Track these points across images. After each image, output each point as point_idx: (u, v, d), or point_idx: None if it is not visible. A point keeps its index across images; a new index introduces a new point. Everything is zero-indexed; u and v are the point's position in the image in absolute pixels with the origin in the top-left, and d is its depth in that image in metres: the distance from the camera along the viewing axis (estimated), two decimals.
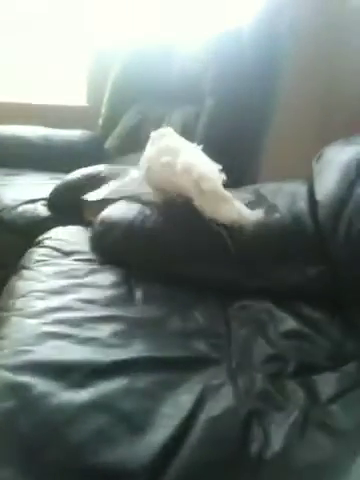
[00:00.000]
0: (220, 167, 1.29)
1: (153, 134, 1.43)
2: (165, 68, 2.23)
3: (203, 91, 2.09)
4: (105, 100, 2.43)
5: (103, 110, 2.43)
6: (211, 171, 1.24)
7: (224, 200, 1.20)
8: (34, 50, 2.74)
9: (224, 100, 2.02)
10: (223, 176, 1.27)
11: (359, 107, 2.41)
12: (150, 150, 1.37)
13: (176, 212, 1.33)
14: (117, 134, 2.36)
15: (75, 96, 2.75)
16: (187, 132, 1.92)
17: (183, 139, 1.42)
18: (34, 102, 2.68)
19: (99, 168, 1.75)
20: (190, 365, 0.91)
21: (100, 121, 2.45)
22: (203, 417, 0.78)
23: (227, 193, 1.21)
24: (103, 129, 2.43)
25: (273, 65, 2.01)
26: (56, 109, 2.68)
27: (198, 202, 1.22)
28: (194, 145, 1.38)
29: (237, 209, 1.20)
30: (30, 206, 1.76)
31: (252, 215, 1.21)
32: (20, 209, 1.74)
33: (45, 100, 2.70)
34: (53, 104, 2.70)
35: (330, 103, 2.47)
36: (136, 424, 0.76)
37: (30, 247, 1.44)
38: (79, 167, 1.87)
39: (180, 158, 1.27)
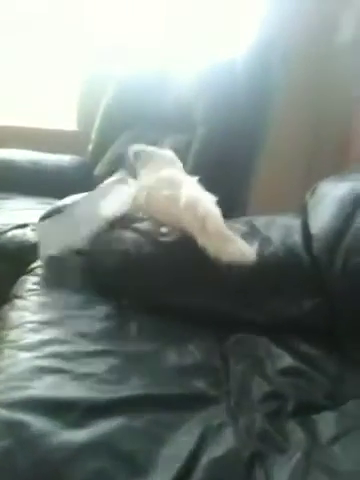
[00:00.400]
0: (215, 199, 1.31)
1: (143, 153, 1.41)
2: (158, 95, 2.24)
3: (194, 119, 2.10)
4: (96, 126, 2.43)
5: (93, 136, 2.43)
6: (214, 208, 1.25)
7: (228, 239, 1.21)
8: (25, 73, 2.73)
9: (216, 129, 2.02)
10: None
11: (347, 136, 2.45)
12: (149, 179, 1.36)
13: (170, 242, 1.33)
14: (107, 160, 2.35)
15: (65, 120, 2.75)
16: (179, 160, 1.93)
17: (175, 160, 1.42)
18: (24, 125, 2.66)
19: None
20: (188, 404, 0.90)
21: (90, 147, 2.44)
22: (205, 459, 0.77)
23: (230, 232, 1.22)
24: (93, 155, 2.42)
25: (265, 95, 2.03)
26: (46, 133, 2.67)
27: (201, 240, 1.22)
28: (192, 178, 1.38)
29: (239, 248, 1.20)
30: (19, 231, 1.74)
31: (253, 254, 1.21)
32: (9, 234, 1.72)
33: (35, 124, 2.69)
34: (43, 128, 2.68)
35: (319, 133, 2.51)
36: (137, 465, 0.74)
37: (19, 273, 1.42)
38: (68, 192, 1.86)
39: (183, 192, 1.26)
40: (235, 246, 1.20)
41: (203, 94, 2.08)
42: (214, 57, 2.12)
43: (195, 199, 1.26)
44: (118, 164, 2.24)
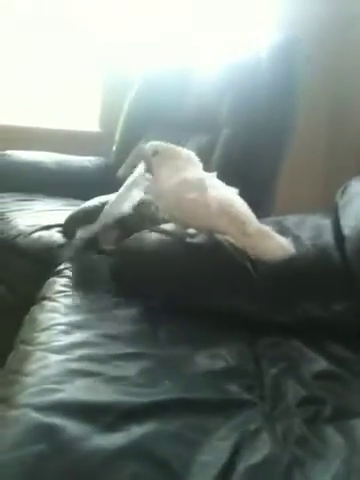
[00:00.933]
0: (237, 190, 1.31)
1: (161, 149, 1.39)
2: (181, 96, 2.22)
3: (218, 120, 2.08)
4: (119, 126, 2.42)
5: (117, 137, 2.42)
6: (246, 207, 1.25)
7: (267, 236, 1.20)
8: (48, 74, 2.74)
9: (240, 130, 2.01)
10: None
11: None
12: (173, 181, 1.34)
13: (198, 244, 1.31)
14: (129, 162, 2.33)
15: (89, 122, 2.74)
16: (202, 161, 1.91)
17: (194, 159, 1.40)
18: (47, 127, 2.67)
19: None
20: (223, 408, 0.88)
21: (114, 148, 2.43)
22: (242, 465, 0.74)
23: (268, 229, 1.21)
24: (116, 156, 2.42)
25: (290, 95, 2.01)
26: (69, 135, 2.67)
27: (239, 241, 1.22)
28: (213, 176, 1.37)
29: (280, 243, 1.19)
30: (45, 233, 1.73)
31: (291, 246, 1.20)
32: (36, 235, 1.72)
33: (58, 125, 2.69)
34: (66, 129, 2.69)
35: (339, 134, 2.49)
36: (173, 471, 0.72)
37: (45, 274, 1.41)
38: (92, 193, 1.85)
39: (212, 196, 1.25)
40: (275, 242, 1.19)
41: (227, 95, 2.06)
42: (237, 56, 2.10)
43: (227, 202, 1.25)
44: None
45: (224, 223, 1.23)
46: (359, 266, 1.20)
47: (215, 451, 0.77)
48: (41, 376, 0.89)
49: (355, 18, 2.40)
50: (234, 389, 0.94)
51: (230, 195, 1.28)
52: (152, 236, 1.36)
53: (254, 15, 2.46)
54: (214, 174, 1.37)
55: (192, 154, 1.41)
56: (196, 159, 1.41)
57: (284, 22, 2.35)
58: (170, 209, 1.35)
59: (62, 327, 1.06)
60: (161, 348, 1.04)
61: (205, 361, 1.01)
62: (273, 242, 1.19)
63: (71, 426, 0.77)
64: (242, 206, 1.26)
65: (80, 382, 0.88)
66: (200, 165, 1.40)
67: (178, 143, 2.17)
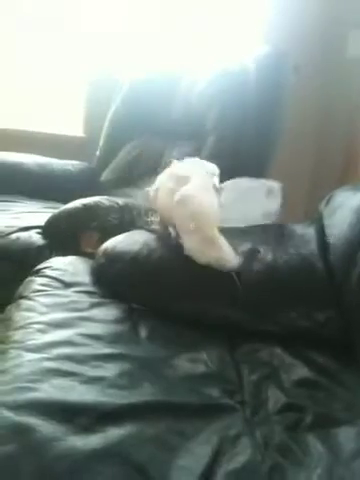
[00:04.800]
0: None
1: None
2: (167, 102, 2.21)
3: (205, 128, 2.08)
4: (104, 132, 2.40)
5: (101, 142, 2.40)
6: (210, 208, 1.20)
7: (212, 243, 1.16)
8: (34, 78, 2.71)
9: (227, 137, 2.00)
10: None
11: (354, 149, 2.45)
12: (163, 175, 1.34)
13: (180, 247, 1.29)
14: (113, 167, 2.32)
15: (72, 126, 2.72)
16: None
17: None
18: (30, 129, 2.64)
19: (100, 199, 1.71)
20: (203, 412, 0.85)
21: (97, 153, 2.41)
22: (222, 471, 0.72)
23: (218, 235, 1.17)
24: (100, 161, 2.39)
25: (276, 105, 2.01)
26: (52, 138, 2.64)
27: (184, 238, 1.19)
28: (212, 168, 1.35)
29: (220, 254, 1.15)
30: (25, 234, 1.70)
31: (236, 262, 1.16)
32: (14, 236, 1.68)
33: (42, 128, 2.66)
34: (49, 132, 2.66)
35: (325, 144, 2.51)
36: (150, 477, 0.69)
37: (22, 276, 1.38)
38: (73, 197, 1.83)
39: (185, 188, 1.22)
40: (217, 250, 1.15)
41: (214, 103, 2.06)
42: (226, 66, 2.10)
43: (190, 195, 1.20)
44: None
45: (178, 215, 1.19)
46: (342, 275, 1.19)
47: (194, 456, 0.74)
48: (15, 374, 0.86)
49: (350, 35, 2.43)
50: (214, 394, 0.91)
51: (202, 191, 1.23)
52: (134, 238, 1.34)
53: (244, 27, 2.48)
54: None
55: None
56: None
57: (273, 34, 2.37)
58: (153, 201, 1.34)
59: (39, 326, 1.02)
60: (141, 349, 1.02)
61: (185, 364, 0.99)
62: (214, 249, 1.15)
63: (45, 426, 0.74)
64: (205, 204, 1.20)
65: (56, 381, 0.84)
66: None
67: (164, 150, 2.19)
